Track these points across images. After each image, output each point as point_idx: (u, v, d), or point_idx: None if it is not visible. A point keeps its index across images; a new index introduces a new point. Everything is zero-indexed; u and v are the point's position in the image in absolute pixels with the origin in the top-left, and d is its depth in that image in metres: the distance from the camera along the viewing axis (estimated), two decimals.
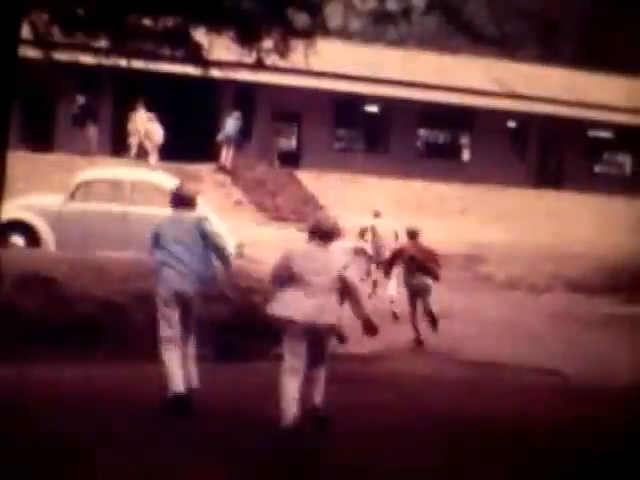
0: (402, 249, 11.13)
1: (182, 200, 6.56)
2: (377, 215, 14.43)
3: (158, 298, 6.44)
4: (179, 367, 6.29)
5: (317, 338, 5.73)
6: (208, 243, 6.40)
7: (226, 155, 22.60)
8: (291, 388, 5.65)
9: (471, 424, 6.32)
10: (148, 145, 22.11)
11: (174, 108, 22.10)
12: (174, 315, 6.37)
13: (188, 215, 6.49)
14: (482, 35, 35.42)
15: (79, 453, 5.17)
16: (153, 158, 21.87)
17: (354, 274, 5.96)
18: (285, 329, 5.74)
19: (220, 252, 6.49)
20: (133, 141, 22.24)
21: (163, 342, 6.37)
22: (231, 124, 22.60)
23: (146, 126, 22.16)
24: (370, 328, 5.76)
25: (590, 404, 7.30)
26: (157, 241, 6.43)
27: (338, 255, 5.89)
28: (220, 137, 22.59)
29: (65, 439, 5.37)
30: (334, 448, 5.55)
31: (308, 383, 5.84)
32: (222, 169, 22.17)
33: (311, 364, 5.78)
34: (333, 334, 5.98)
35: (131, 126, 22.19)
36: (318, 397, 5.91)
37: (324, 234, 5.79)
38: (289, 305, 5.69)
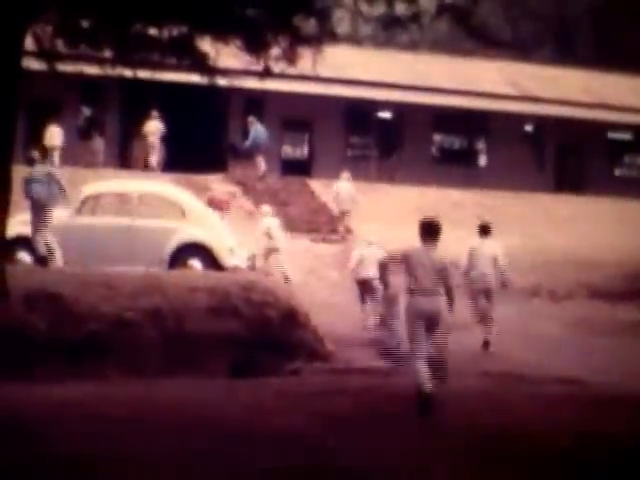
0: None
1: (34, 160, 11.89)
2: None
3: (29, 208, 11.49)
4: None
5: None
6: (53, 180, 11.54)
7: (260, 163, 22.21)
8: None
9: (488, 436, 6.21)
10: (152, 158, 22.00)
11: (182, 118, 21.95)
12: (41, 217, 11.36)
13: (42, 167, 11.90)
14: (495, 37, 35.17)
15: (90, 472, 5.08)
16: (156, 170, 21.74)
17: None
18: None
19: (60, 186, 11.62)
20: (151, 153, 22.14)
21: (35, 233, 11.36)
22: (261, 130, 22.38)
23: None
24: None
25: (611, 413, 7.17)
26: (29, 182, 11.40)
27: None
28: (250, 145, 22.30)
29: (74, 458, 5.28)
30: (350, 463, 5.46)
31: None
32: (261, 179, 21.90)
33: None
34: None
35: (146, 138, 22.08)
36: None
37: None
38: None
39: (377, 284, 12.16)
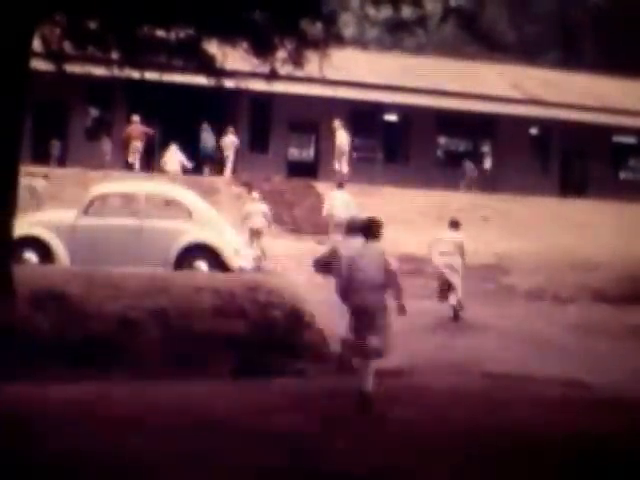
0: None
1: None
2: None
3: None
4: None
5: None
6: None
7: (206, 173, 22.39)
8: None
9: (492, 438, 6.21)
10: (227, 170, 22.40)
11: (189, 120, 22.01)
12: None
13: None
14: (500, 41, 35.19)
15: (92, 473, 5.10)
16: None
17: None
18: None
19: None
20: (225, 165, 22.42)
21: None
22: (208, 138, 22.50)
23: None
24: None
25: (615, 416, 7.16)
26: None
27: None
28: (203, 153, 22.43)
29: (77, 458, 5.30)
30: (353, 464, 5.47)
31: None
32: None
33: None
34: None
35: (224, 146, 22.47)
36: None
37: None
38: None
39: (263, 230, 15.64)
